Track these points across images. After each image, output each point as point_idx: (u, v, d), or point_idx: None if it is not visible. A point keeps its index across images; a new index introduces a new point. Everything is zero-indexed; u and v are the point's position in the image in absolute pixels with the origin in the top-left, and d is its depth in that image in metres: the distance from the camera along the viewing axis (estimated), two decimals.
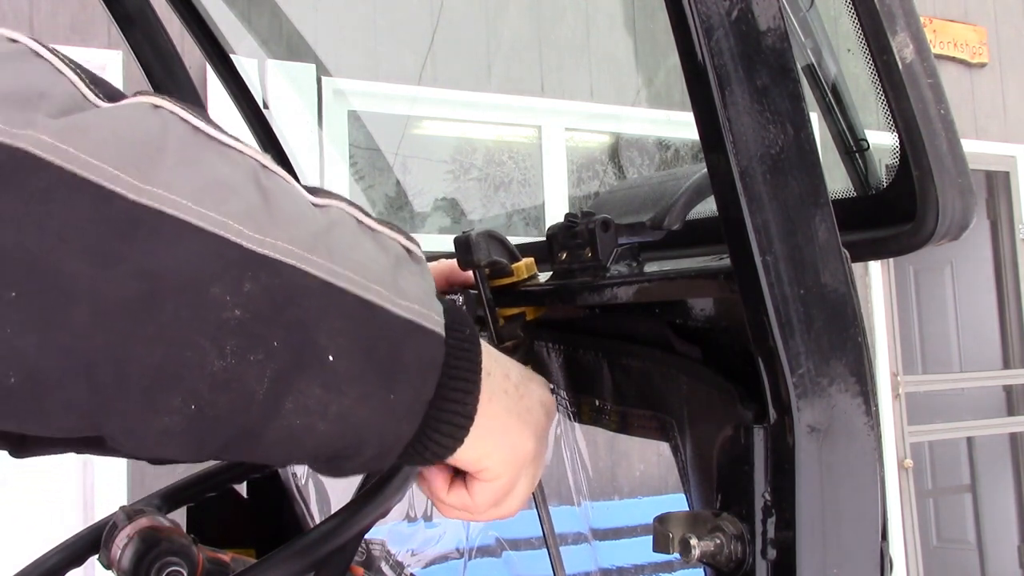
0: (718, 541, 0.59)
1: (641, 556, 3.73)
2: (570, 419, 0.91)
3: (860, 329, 0.60)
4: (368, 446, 0.54)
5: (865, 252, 0.69)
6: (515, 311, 0.89)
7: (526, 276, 0.90)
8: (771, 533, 0.59)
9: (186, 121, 0.50)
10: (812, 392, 0.58)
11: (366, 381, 0.52)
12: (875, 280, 5.25)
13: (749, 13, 0.57)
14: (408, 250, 0.58)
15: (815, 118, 0.67)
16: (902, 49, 0.64)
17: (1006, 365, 5.83)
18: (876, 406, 0.61)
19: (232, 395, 0.47)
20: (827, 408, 0.59)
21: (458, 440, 0.58)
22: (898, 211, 0.67)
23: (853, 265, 0.61)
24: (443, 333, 0.56)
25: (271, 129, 1.85)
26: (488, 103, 4.50)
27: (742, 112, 0.57)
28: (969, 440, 5.85)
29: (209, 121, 0.52)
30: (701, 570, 0.63)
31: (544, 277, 0.91)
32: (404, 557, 1.71)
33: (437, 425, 0.57)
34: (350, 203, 0.57)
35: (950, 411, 5.70)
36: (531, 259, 0.92)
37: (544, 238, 0.90)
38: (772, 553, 0.59)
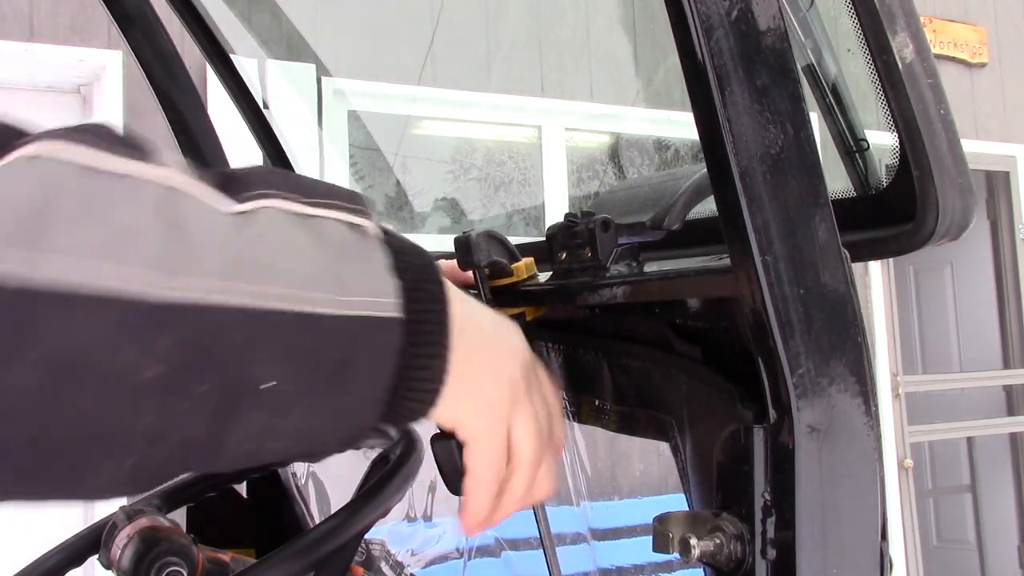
0: (718, 541, 0.59)
1: (641, 556, 3.73)
2: (570, 419, 0.91)
3: (860, 329, 0.60)
4: (330, 443, 0.53)
5: (865, 252, 0.69)
6: (515, 311, 0.89)
7: (526, 276, 0.90)
8: (771, 533, 0.59)
9: (71, 163, 0.45)
10: (812, 392, 0.58)
11: (314, 394, 0.49)
12: (875, 280, 5.25)
13: (749, 13, 0.57)
14: (354, 225, 0.54)
15: (815, 118, 0.67)
16: (902, 49, 0.64)
17: (1006, 365, 5.82)
18: (876, 406, 0.61)
19: (170, 444, 0.45)
20: (827, 408, 0.59)
21: (430, 404, 0.56)
22: (898, 211, 0.67)
23: (853, 265, 0.61)
24: (400, 314, 0.53)
25: (271, 129, 1.85)
26: (488, 103, 4.50)
27: (742, 112, 0.57)
28: (969, 440, 5.85)
29: (104, 141, 0.47)
30: (701, 570, 0.63)
31: (544, 277, 0.91)
32: (404, 557, 1.71)
33: (407, 393, 0.55)
34: (283, 191, 0.52)
35: (950, 411, 5.70)
36: (531, 259, 0.92)
37: (544, 238, 0.91)
38: (772, 553, 0.59)
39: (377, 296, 0.52)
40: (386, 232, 0.57)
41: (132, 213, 0.45)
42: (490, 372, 0.61)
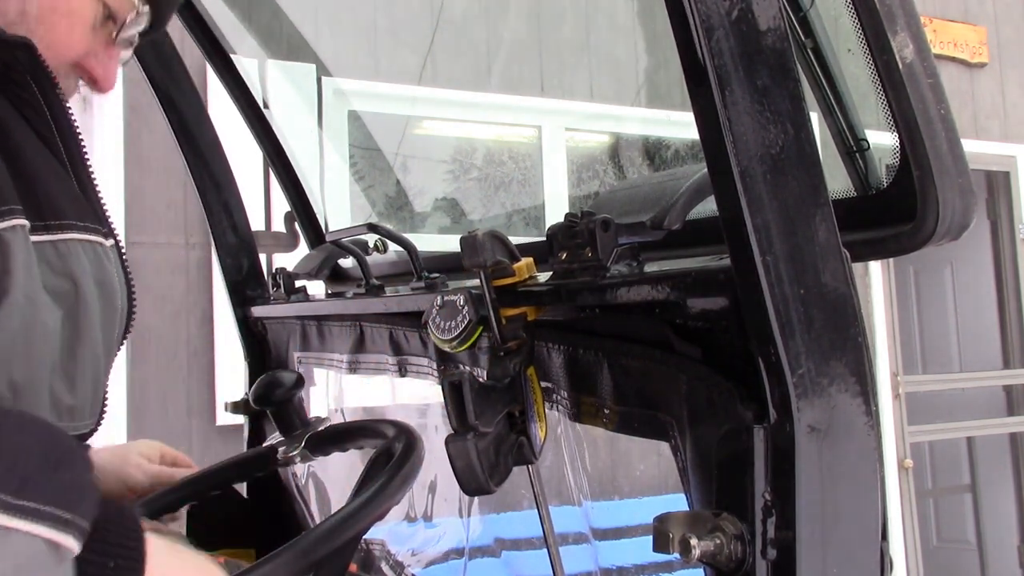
0: (718, 541, 0.59)
1: (641, 556, 3.73)
2: (570, 419, 0.91)
3: (860, 329, 0.60)
4: None
5: (865, 252, 0.69)
6: (517, 311, 0.89)
7: (527, 276, 0.91)
8: (771, 533, 0.59)
9: None
10: (812, 392, 0.58)
11: None
12: (875, 280, 5.25)
13: (749, 13, 0.57)
14: (51, 544, 0.52)
15: (815, 118, 0.67)
16: (902, 49, 0.64)
17: (1006, 365, 5.82)
18: (876, 406, 0.61)
19: None
20: (827, 408, 0.59)
21: None
22: (898, 211, 0.67)
23: (853, 265, 0.61)
24: None
25: (271, 129, 1.85)
26: (488, 103, 4.50)
27: (742, 112, 0.57)
28: (969, 440, 5.84)
29: None
30: (701, 570, 0.63)
31: (544, 277, 0.91)
32: (404, 557, 1.71)
33: None
34: None
35: (950, 411, 5.70)
36: (531, 259, 0.92)
37: (544, 238, 0.91)
38: (772, 553, 0.59)
39: None
40: (98, 531, 0.56)
41: None
42: None
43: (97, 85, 1.01)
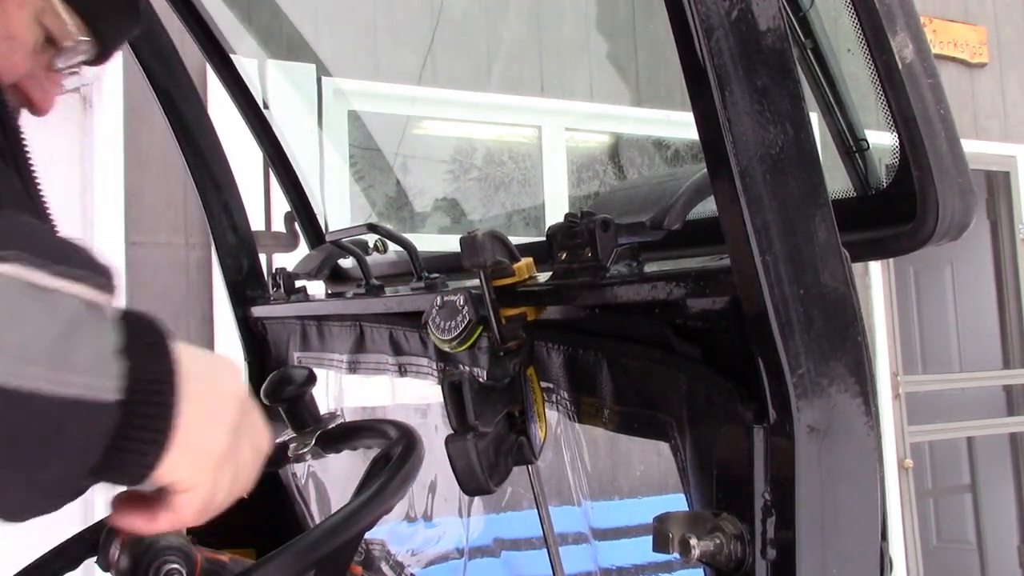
0: (718, 541, 0.60)
1: (641, 556, 3.73)
2: (570, 419, 0.91)
3: (860, 329, 0.60)
4: (25, 512, 0.53)
5: (865, 252, 0.69)
6: (516, 311, 0.90)
7: (526, 276, 0.91)
8: (771, 533, 0.59)
9: None
10: (812, 392, 0.58)
11: (9, 470, 0.50)
12: (875, 280, 5.25)
13: (749, 13, 0.57)
14: (91, 304, 0.54)
15: (815, 118, 0.67)
16: (902, 49, 0.64)
17: (1006, 365, 5.82)
18: (876, 406, 0.61)
19: None
20: (827, 408, 0.59)
21: (141, 477, 0.57)
22: (898, 211, 0.67)
23: (853, 265, 0.61)
24: (116, 398, 0.53)
25: (271, 129, 1.85)
26: (488, 103, 4.50)
27: (742, 112, 0.57)
28: (969, 440, 5.84)
29: None
30: (701, 570, 0.63)
31: (544, 277, 0.91)
32: (404, 557, 1.71)
33: (116, 469, 0.55)
34: (27, 252, 0.53)
35: (950, 411, 5.70)
36: (531, 259, 0.92)
37: (544, 238, 0.91)
38: (772, 553, 0.59)
39: (96, 378, 0.52)
40: (126, 311, 0.57)
41: None
42: (211, 426, 0.61)
43: (33, 107, 1.01)
